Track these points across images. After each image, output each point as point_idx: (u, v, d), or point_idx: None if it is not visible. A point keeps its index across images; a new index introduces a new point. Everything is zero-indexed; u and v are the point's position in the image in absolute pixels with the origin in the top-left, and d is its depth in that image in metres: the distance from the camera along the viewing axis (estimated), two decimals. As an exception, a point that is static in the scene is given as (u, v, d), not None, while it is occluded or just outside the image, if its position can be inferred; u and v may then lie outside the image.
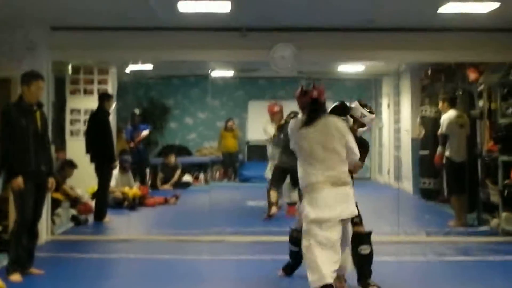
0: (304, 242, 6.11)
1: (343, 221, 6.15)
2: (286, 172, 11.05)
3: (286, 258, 7.51)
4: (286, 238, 7.71)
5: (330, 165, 6.14)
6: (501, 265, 8.12)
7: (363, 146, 6.90)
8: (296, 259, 7.26)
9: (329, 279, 5.93)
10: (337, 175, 6.14)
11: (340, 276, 6.53)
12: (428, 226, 10.62)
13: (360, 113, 6.81)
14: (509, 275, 7.54)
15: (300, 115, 6.58)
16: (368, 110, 6.86)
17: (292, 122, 6.47)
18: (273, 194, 11.29)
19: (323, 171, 6.12)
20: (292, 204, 11.57)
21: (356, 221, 6.61)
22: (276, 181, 11.32)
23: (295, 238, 7.04)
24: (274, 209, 11.28)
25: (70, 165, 11.78)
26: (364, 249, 6.68)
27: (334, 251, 6.05)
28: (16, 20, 9.22)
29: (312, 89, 6.33)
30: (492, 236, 9.83)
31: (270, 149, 12.31)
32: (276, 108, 12.27)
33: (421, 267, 8.05)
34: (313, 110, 6.28)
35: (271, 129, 12.18)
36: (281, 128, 11.73)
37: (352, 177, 6.36)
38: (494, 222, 10.31)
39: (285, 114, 12.03)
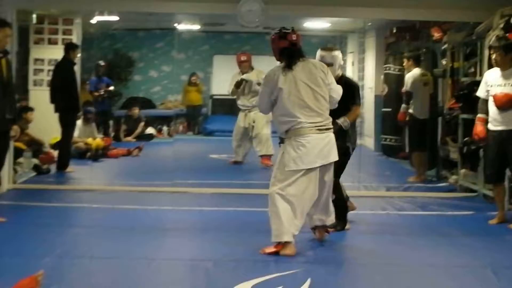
0: (272, 188, 6.23)
1: (324, 168, 6.27)
2: None
3: (248, 209, 7.62)
4: (248, 190, 7.85)
5: (316, 109, 6.19)
6: (459, 219, 8.27)
7: (353, 86, 6.97)
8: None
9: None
10: (323, 120, 6.21)
11: (321, 226, 6.70)
12: (388, 182, 10.78)
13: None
14: (465, 228, 7.68)
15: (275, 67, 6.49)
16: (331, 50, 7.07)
17: (270, 71, 6.45)
18: None
19: (309, 116, 6.17)
20: (266, 156, 11.77)
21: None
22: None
23: None
24: None
25: (28, 110, 11.70)
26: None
27: (299, 208, 6.21)
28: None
29: (291, 32, 6.36)
30: (451, 192, 10.02)
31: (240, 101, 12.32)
32: (243, 57, 12.24)
33: (380, 220, 8.19)
34: (292, 52, 6.30)
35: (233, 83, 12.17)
36: (238, 85, 11.85)
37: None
38: (452, 178, 10.50)
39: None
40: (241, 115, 12.28)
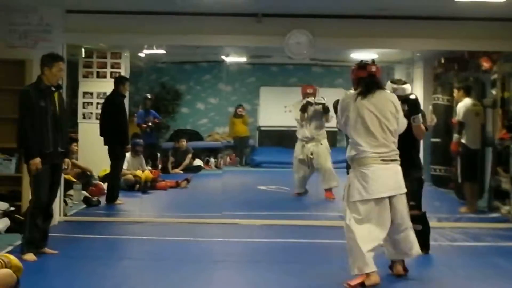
0: (345, 220, 6.29)
1: (395, 199, 6.28)
2: None
3: (296, 240, 7.61)
4: (297, 222, 7.85)
5: (382, 140, 6.23)
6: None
7: (417, 105, 6.96)
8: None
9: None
10: (388, 151, 6.24)
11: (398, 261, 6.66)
12: (439, 213, 10.66)
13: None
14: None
15: (349, 92, 6.62)
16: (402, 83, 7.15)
17: (344, 95, 6.55)
18: None
19: (374, 146, 6.22)
20: (328, 190, 11.76)
21: (412, 204, 6.78)
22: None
23: None
24: None
25: (72, 141, 11.84)
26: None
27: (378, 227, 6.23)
28: (32, 3, 9.30)
29: (371, 64, 6.48)
30: (503, 222, 9.90)
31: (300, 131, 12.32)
32: (309, 90, 12.16)
33: (433, 251, 8.11)
34: (370, 82, 6.39)
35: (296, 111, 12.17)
36: (305, 109, 11.84)
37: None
38: (504, 209, 10.37)
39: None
40: (298, 145, 12.25)
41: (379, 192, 6.22)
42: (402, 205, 6.37)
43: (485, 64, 11.25)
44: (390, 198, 6.27)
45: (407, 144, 6.73)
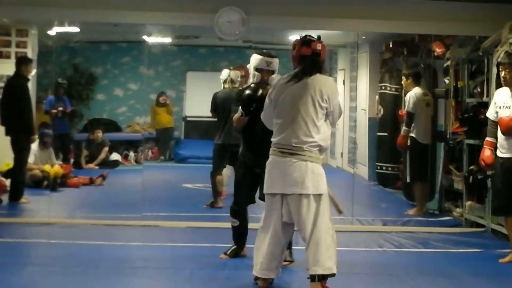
0: None
1: (287, 198, 6.27)
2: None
3: (225, 245, 7.66)
4: (225, 225, 7.89)
5: (293, 130, 6.22)
6: (463, 257, 8.33)
7: None
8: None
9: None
10: (293, 144, 6.20)
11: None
12: (385, 215, 10.81)
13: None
14: (471, 267, 7.73)
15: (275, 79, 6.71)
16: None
17: (277, 77, 6.66)
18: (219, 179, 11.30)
19: (280, 136, 6.27)
20: None
21: None
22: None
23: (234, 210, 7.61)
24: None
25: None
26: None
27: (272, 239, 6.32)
28: None
29: (316, 41, 6.40)
30: (455, 226, 10.09)
31: None
32: (241, 72, 12.13)
33: (377, 258, 8.22)
34: (309, 64, 6.34)
35: None
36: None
37: None
38: (457, 211, 10.57)
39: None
40: None
41: (267, 187, 6.37)
42: (299, 207, 6.25)
43: (438, 50, 11.38)
44: (284, 196, 6.30)
45: None
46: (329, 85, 6.42)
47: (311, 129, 6.21)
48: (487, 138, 8.07)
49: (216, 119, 10.98)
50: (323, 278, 6.16)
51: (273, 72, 7.34)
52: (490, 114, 8.09)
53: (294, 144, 6.19)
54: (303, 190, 6.17)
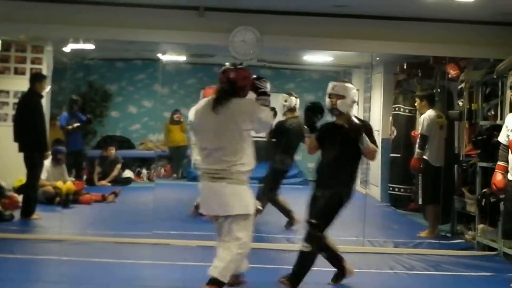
0: None
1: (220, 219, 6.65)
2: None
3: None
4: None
5: (216, 156, 6.47)
6: (475, 280, 8.30)
7: (361, 126, 7.12)
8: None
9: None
10: (219, 168, 6.48)
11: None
12: (396, 237, 10.77)
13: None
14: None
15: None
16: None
17: (201, 102, 6.79)
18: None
19: (206, 162, 6.55)
20: None
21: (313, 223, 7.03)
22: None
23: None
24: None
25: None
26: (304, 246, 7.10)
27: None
28: None
29: (232, 70, 6.56)
30: (467, 249, 10.04)
31: None
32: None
33: (388, 281, 8.19)
34: (224, 91, 6.53)
35: None
36: None
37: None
38: (469, 234, 10.52)
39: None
40: None
41: (203, 210, 6.77)
42: (230, 225, 6.56)
43: (452, 72, 11.39)
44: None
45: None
46: (243, 104, 6.60)
47: (235, 153, 6.45)
48: (499, 162, 8.07)
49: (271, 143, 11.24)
50: (217, 283, 6.50)
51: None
52: (502, 138, 8.09)
53: (219, 168, 6.48)
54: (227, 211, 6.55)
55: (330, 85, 7.38)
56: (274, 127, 10.90)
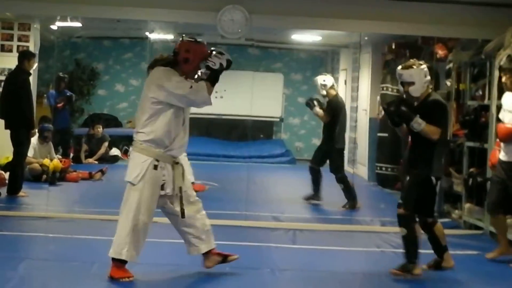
0: None
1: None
2: None
3: (218, 242, 7.64)
4: (218, 222, 7.87)
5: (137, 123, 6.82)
6: (461, 259, 8.30)
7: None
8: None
9: None
10: (135, 137, 6.80)
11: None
12: (383, 216, 10.79)
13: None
14: (469, 269, 7.73)
15: None
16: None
17: None
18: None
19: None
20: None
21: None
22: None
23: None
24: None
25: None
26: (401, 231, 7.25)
27: None
28: None
29: (180, 41, 6.90)
30: (453, 228, 10.07)
31: None
32: None
33: (374, 258, 8.21)
34: (156, 61, 6.87)
35: None
36: None
37: None
38: (456, 213, 10.56)
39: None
40: None
41: None
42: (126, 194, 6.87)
43: (440, 52, 11.41)
44: None
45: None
46: (155, 73, 6.76)
47: (140, 121, 6.74)
48: (497, 139, 8.18)
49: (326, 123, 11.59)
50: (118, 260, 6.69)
51: None
52: (501, 116, 8.14)
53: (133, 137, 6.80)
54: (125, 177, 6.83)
55: (398, 72, 7.37)
56: (330, 105, 11.04)
